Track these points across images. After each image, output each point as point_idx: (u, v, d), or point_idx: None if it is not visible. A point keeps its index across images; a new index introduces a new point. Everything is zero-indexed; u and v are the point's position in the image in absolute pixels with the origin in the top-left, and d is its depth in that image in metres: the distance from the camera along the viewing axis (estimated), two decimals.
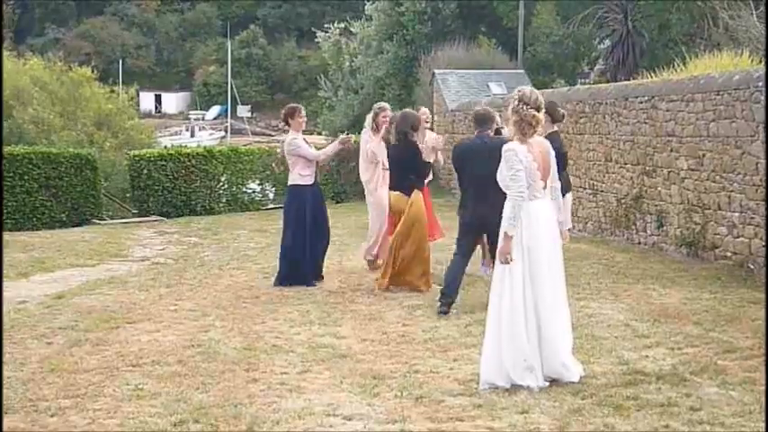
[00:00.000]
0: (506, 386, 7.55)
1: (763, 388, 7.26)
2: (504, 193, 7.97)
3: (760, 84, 12.90)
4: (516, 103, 7.90)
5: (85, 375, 8.19)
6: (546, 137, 9.59)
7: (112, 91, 44.84)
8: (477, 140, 11.04)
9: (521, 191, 7.76)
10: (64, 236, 20.40)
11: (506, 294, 7.73)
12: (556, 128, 11.62)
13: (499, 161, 8.18)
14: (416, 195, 12.29)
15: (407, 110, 14.06)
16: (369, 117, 13.92)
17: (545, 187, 7.93)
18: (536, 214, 7.81)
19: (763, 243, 12.73)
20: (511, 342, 7.66)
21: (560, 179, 8.75)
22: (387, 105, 14.27)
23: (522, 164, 7.77)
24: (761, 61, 19.54)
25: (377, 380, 7.87)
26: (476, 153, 10.75)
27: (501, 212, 8.67)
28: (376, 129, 13.70)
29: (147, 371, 8.32)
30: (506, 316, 7.69)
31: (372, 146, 13.61)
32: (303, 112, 13.07)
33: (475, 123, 11.30)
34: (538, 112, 7.85)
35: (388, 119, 13.55)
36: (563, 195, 11.00)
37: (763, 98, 12.73)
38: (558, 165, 8.39)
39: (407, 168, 12.37)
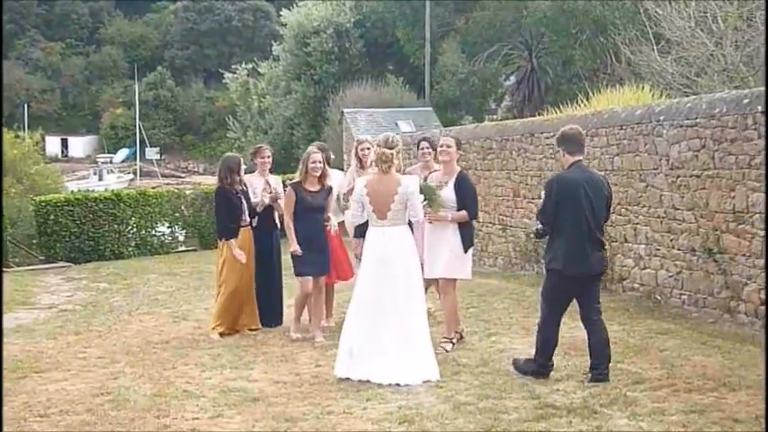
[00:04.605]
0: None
1: (673, 418, 7.39)
2: None
3: (662, 118, 13.18)
4: (375, 145, 10.23)
5: None
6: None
7: (17, 136, 44.20)
8: None
9: (351, 217, 10.03)
10: None
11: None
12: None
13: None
14: (223, 242, 12.24)
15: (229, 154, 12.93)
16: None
17: (382, 218, 9.43)
18: (369, 238, 9.58)
19: (670, 274, 12.97)
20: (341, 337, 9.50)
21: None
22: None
23: (356, 195, 9.70)
24: (661, 95, 19.98)
25: (289, 422, 7.80)
26: None
27: None
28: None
29: (56, 421, 8.14)
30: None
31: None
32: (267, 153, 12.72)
33: None
34: (390, 149, 9.76)
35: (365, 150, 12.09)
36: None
37: (669, 132, 13.00)
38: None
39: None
